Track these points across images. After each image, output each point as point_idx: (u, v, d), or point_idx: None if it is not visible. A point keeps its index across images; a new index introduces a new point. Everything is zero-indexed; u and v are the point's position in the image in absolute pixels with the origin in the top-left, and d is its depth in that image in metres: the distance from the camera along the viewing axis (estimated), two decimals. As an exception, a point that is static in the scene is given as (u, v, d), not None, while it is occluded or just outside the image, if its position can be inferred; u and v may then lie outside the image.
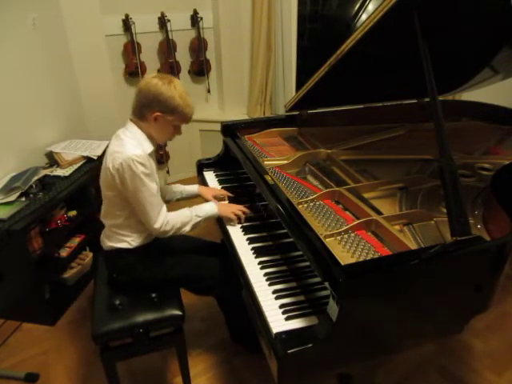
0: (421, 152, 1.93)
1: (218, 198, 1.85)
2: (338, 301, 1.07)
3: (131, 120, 1.53)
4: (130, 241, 1.59)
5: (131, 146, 1.45)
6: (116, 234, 1.59)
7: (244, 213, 1.70)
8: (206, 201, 1.81)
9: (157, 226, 1.50)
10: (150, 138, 1.54)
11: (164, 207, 1.54)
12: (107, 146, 1.58)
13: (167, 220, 1.53)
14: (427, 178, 1.71)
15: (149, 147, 1.51)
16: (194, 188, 1.88)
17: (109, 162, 1.46)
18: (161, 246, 1.69)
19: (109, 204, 1.56)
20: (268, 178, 1.59)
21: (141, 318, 1.53)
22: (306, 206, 1.52)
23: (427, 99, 1.42)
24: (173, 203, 1.86)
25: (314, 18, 3.57)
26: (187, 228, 1.60)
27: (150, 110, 1.46)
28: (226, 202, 1.86)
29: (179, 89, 1.46)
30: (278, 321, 1.21)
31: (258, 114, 3.46)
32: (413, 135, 2.15)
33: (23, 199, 2.11)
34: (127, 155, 1.41)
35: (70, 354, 2.04)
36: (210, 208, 1.67)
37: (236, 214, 1.69)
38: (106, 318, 1.53)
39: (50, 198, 2.16)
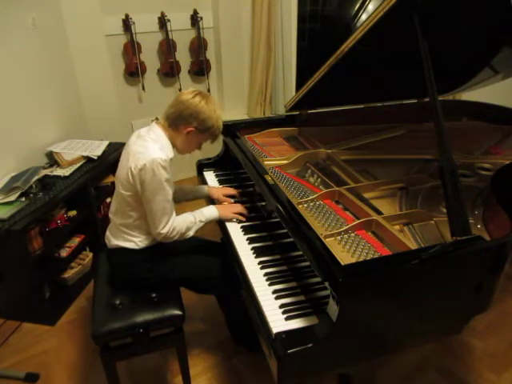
0: (421, 152, 1.93)
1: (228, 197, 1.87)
2: (338, 301, 1.07)
3: (158, 123, 1.55)
4: (137, 241, 1.59)
5: (156, 148, 1.46)
6: (124, 234, 1.59)
7: (243, 214, 1.72)
8: (216, 201, 1.84)
9: (164, 230, 1.51)
10: (173, 145, 1.56)
11: (174, 214, 1.55)
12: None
13: (174, 226, 1.54)
14: (427, 177, 1.71)
15: (171, 153, 1.53)
16: (203, 189, 1.89)
17: (131, 162, 1.45)
18: (163, 247, 1.69)
19: (122, 203, 1.56)
20: (268, 177, 1.59)
21: (141, 317, 1.53)
22: (306, 205, 1.52)
23: (427, 99, 1.42)
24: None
25: (314, 17, 3.57)
26: (191, 233, 1.62)
27: (186, 124, 1.50)
28: (232, 200, 1.87)
29: (217, 111, 1.53)
30: (278, 321, 1.21)
31: (258, 114, 3.46)
32: (413, 135, 2.15)
33: (23, 199, 2.11)
34: (152, 157, 1.42)
35: (69, 354, 2.04)
36: (211, 212, 1.68)
37: (237, 213, 1.71)
38: (106, 317, 1.53)
39: (50, 198, 2.16)
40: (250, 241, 1.60)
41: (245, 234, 1.64)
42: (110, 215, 1.64)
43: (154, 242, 1.63)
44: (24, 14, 2.33)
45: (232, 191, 1.88)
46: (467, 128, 2.24)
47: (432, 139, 1.39)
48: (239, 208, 1.73)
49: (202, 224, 1.64)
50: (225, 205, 1.80)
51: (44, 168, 2.43)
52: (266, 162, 1.78)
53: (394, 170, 1.80)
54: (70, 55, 2.75)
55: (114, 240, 1.61)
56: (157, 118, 1.58)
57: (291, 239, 1.36)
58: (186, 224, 1.58)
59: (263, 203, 1.68)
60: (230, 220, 1.72)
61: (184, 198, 1.88)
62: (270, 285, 1.37)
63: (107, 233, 1.66)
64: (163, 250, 1.67)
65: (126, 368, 1.91)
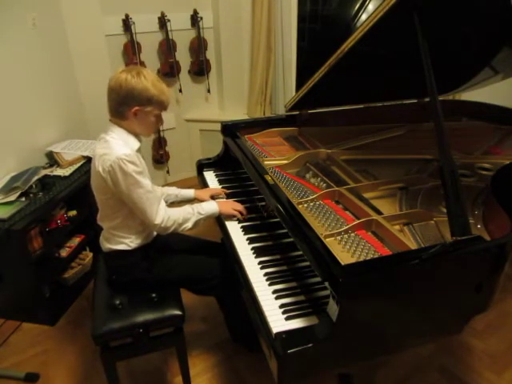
0: (421, 152, 1.93)
1: (216, 197, 1.85)
2: (338, 300, 1.07)
3: (111, 121, 1.51)
4: (128, 242, 1.58)
5: (118, 146, 1.43)
6: (114, 236, 1.57)
7: (242, 214, 1.71)
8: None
9: (158, 221, 1.48)
10: (134, 134, 1.51)
11: (162, 202, 1.53)
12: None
13: (168, 215, 1.51)
14: (427, 177, 1.71)
15: (135, 144, 1.50)
16: (189, 192, 1.86)
17: (98, 166, 1.42)
18: (160, 247, 1.69)
19: (104, 207, 1.55)
20: (268, 177, 1.59)
21: (141, 318, 1.53)
22: (306, 205, 1.52)
23: (427, 99, 1.42)
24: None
25: (314, 17, 3.57)
26: (189, 224, 1.58)
27: (127, 107, 1.44)
28: (224, 199, 1.86)
29: (150, 78, 1.43)
30: (278, 321, 1.21)
31: (258, 114, 3.46)
32: (413, 135, 2.15)
33: (23, 199, 2.11)
34: (116, 156, 1.39)
35: (69, 354, 2.04)
36: (211, 207, 1.66)
37: (237, 210, 1.70)
38: (105, 317, 1.53)
39: (50, 198, 2.16)
40: (250, 241, 1.60)
41: (245, 234, 1.64)
42: (99, 222, 1.61)
43: (145, 241, 1.62)
44: (24, 13, 2.33)
45: (217, 192, 1.86)
46: (467, 128, 2.24)
47: (432, 139, 1.39)
48: (239, 206, 1.72)
49: (201, 217, 1.61)
50: (225, 201, 1.79)
51: (44, 168, 2.43)
52: (266, 162, 1.78)
53: (394, 170, 1.80)
54: (70, 55, 2.75)
55: (107, 244, 1.60)
56: None
57: (291, 239, 1.36)
58: (182, 214, 1.56)
59: (263, 203, 1.68)
60: (230, 217, 1.71)
61: (167, 200, 1.80)
62: (270, 285, 1.37)
63: (100, 238, 1.65)
64: (161, 250, 1.67)
65: (126, 368, 1.91)
